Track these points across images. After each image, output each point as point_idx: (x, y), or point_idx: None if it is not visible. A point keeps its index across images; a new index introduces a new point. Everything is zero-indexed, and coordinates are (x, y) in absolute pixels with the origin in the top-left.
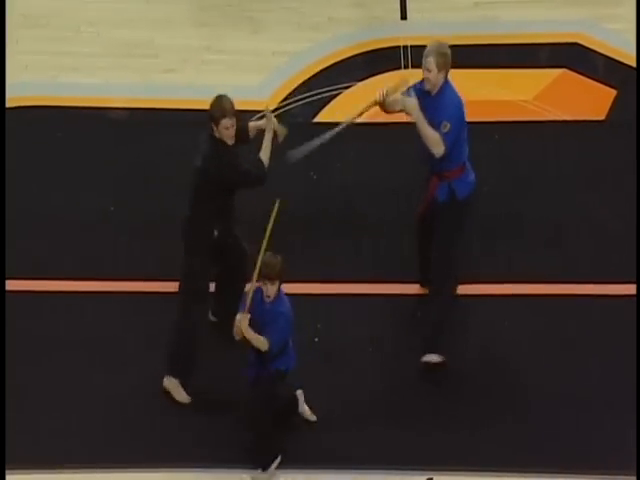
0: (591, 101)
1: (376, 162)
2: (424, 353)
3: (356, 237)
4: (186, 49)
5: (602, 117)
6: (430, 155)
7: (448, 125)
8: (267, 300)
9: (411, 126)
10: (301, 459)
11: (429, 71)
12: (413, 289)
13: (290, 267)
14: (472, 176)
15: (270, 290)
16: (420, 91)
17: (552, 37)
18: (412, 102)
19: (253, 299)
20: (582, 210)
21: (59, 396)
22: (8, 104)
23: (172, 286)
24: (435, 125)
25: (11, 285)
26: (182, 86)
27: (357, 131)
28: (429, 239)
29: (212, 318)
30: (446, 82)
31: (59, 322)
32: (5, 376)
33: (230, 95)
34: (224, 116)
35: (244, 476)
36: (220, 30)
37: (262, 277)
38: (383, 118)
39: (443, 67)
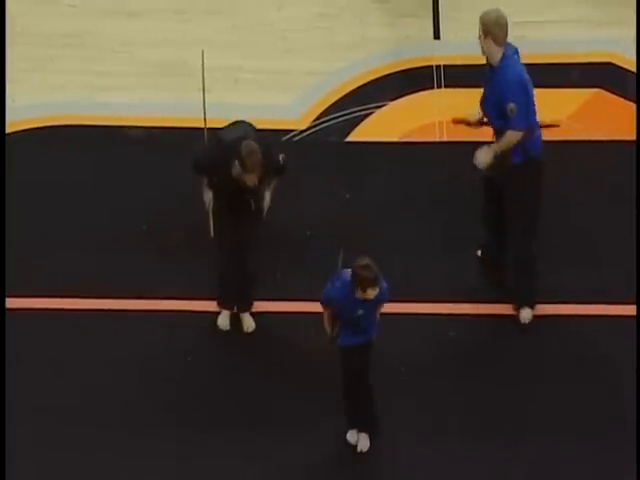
0: (625, 121)
1: (408, 181)
2: (518, 310)
3: (388, 256)
4: (218, 68)
5: (635, 137)
6: (500, 121)
7: (514, 107)
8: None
9: (444, 145)
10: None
11: (479, 39)
12: (445, 308)
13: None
14: (539, 131)
15: (372, 294)
16: (490, 66)
17: (586, 57)
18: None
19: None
20: (616, 229)
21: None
22: (42, 123)
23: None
24: (499, 101)
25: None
26: (214, 105)
27: (389, 150)
28: (498, 203)
29: None
30: (506, 55)
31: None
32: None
33: (262, 115)
34: (247, 172)
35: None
36: (252, 49)
37: (361, 286)
38: (415, 138)
39: (488, 34)
